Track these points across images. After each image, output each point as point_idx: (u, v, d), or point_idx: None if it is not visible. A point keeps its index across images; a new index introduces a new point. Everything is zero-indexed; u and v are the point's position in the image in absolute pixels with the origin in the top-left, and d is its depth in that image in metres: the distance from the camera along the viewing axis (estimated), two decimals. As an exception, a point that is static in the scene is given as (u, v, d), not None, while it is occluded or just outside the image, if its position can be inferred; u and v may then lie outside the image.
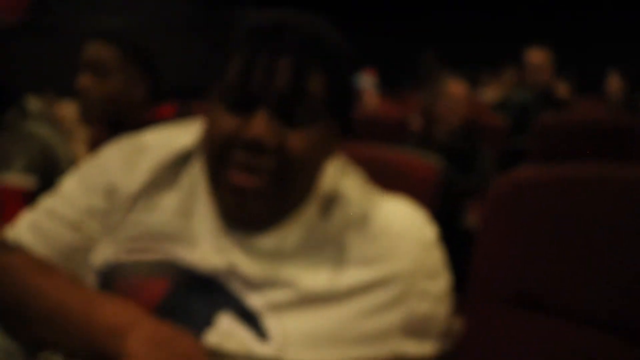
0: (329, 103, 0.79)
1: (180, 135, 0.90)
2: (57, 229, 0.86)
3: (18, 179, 1.59)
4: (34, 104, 1.97)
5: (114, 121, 1.60)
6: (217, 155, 0.78)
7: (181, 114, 1.67)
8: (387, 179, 1.01)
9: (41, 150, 1.75)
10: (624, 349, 0.85)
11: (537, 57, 3.68)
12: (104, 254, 0.84)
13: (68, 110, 2.52)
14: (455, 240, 1.06)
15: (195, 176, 0.87)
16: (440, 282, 0.88)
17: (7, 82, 1.89)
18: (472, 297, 0.97)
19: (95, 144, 2.17)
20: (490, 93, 4.17)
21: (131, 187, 0.85)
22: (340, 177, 0.88)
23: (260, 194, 0.77)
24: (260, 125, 0.75)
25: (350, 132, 0.87)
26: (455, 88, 2.59)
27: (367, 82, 4.72)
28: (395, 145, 2.78)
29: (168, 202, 0.85)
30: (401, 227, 0.86)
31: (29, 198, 1.56)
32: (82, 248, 0.86)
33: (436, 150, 2.56)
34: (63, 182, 0.91)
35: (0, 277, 0.81)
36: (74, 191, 0.88)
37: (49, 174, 1.75)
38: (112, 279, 0.82)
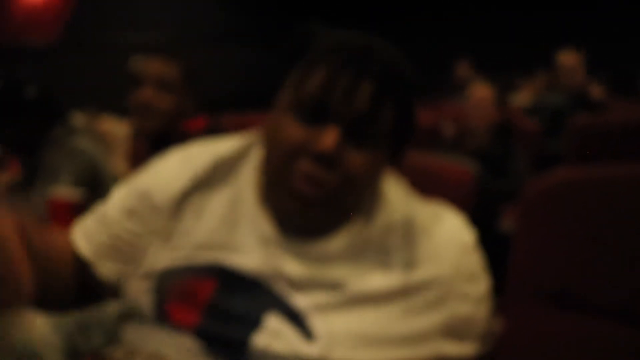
0: (394, 132, 0.83)
1: (223, 145, 0.94)
2: (96, 228, 0.92)
3: (65, 191, 1.66)
4: (79, 119, 2.05)
5: (165, 132, 1.66)
6: (282, 162, 0.81)
7: (211, 126, 1.72)
8: (423, 185, 1.03)
9: (87, 165, 1.83)
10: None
11: (569, 59, 3.65)
12: (158, 261, 0.87)
13: (109, 125, 2.60)
14: (491, 244, 1.08)
15: (240, 180, 0.90)
16: (479, 285, 0.90)
17: (54, 98, 1.98)
18: (511, 298, 0.99)
19: (136, 157, 2.25)
20: (523, 97, 4.13)
21: (166, 195, 0.88)
22: (383, 184, 0.91)
23: (318, 204, 0.81)
24: (332, 139, 0.78)
25: (404, 155, 0.91)
26: (480, 92, 2.60)
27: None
28: (427, 152, 2.79)
29: (213, 210, 0.88)
30: (441, 232, 0.89)
31: (77, 210, 1.63)
32: (120, 246, 0.90)
33: (469, 156, 2.57)
34: (114, 191, 0.97)
35: None
36: (119, 193, 0.95)
37: (94, 187, 1.83)
38: (166, 283, 0.86)
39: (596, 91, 3.74)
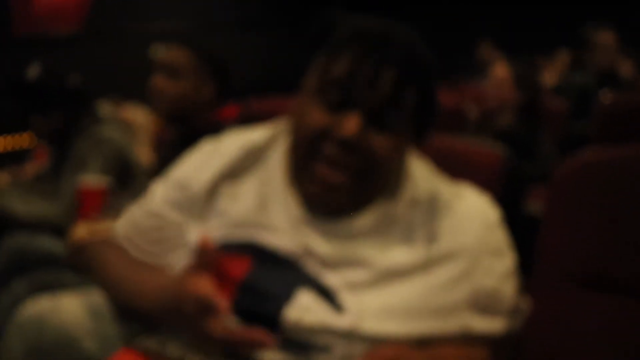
0: (416, 115, 0.86)
1: (252, 134, 0.98)
2: (143, 219, 0.97)
3: (94, 179, 1.69)
4: (105, 109, 2.08)
5: (183, 119, 1.68)
6: (306, 146, 0.84)
7: (244, 114, 1.73)
8: (453, 167, 1.03)
9: (115, 153, 1.86)
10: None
11: (606, 37, 3.56)
12: (193, 239, 0.90)
13: (133, 113, 2.63)
14: (519, 226, 1.07)
15: (270, 165, 0.93)
16: (505, 260, 0.90)
17: (81, 89, 2.01)
18: (539, 278, 0.98)
19: (161, 143, 2.27)
20: (547, 77, 4.06)
21: (201, 182, 0.92)
22: (408, 163, 0.93)
23: (342, 188, 0.84)
24: (355, 125, 0.80)
25: (427, 137, 0.93)
26: (500, 72, 2.57)
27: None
28: (452, 134, 2.77)
29: (246, 193, 0.92)
30: (466, 207, 0.91)
31: (104, 197, 1.65)
32: (165, 234, 0.95)
33: (494, 138, 2.53)
34: (156, 183, 1.01)
35: (102, 269, 0.97)
36: (159, 187, 0.99)
37: (121, 174, 1.85)
38: None
39: (626, 69, 3.66)
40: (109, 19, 5.96)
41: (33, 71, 1.95)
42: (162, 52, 1.68)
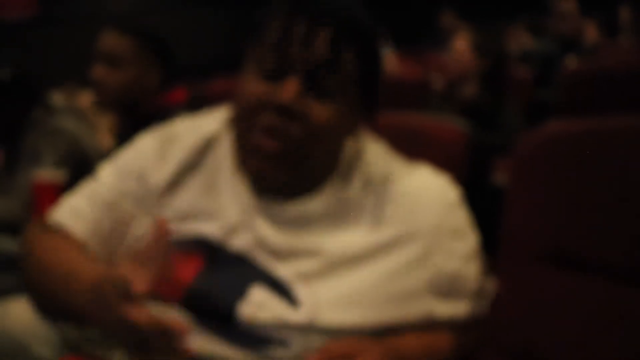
0: (357, 79, 0.81)
1: (207, 122, 0.94)
2: (94, 211, 0.90)
3: (49, 174, 1.62)
4: (57, 98, 1.99)
5: (128, 108, 1.63)
6: (246, 117, 0.81)
7: (193, 96, 1.68)
8: (414, 146, 1.01)
9: (69, 144, 1.79)
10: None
11: (568, 4, 3.56)
12: (146, 230, 0.87)
13: (89, 100, 2.55)
14: (485, 199, 1.05)
15: (220, 157, 0.90)
16: (466, 242, 0.88)
17: (29, 79, 1.92)
18: (504, 257, 0.96)
19: (115, 130, 2.20)
20: (511, 45, 4.05)
21: (161, 176, 0.89)
22: (361, 146, 0.90)
23: (282, 158, 0.79)
24: (290, 91, 0.77)
25: (375, 102, 0.88)
26: (459, 42, 2.56)
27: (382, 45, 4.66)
28: (419, 106, 2.74)
29: (194, 183, 0.89)
30: (422, 188, 0.88)
31: (60, 191, 1.59)
32: (118, 227, 0.90)
33: (460, 108, 2.52)
34: (100, 170, 0.95)
35: (45, 256, 0.88)
36: (110, 176, 0.93)
37: (78, 166, 1.79)
38: None
39: (590, 34, 3.66)
40: (62, 2, 5.78)
41: None
42: (100, 41, 1.61)
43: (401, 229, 0.84)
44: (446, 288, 0.85)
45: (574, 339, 0.89)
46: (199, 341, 0.79)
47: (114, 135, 2.03)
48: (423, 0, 6.18)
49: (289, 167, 0.81)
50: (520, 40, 4.03)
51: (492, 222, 0.99)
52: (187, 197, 0.88)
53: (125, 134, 1.67)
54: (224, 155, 0.90)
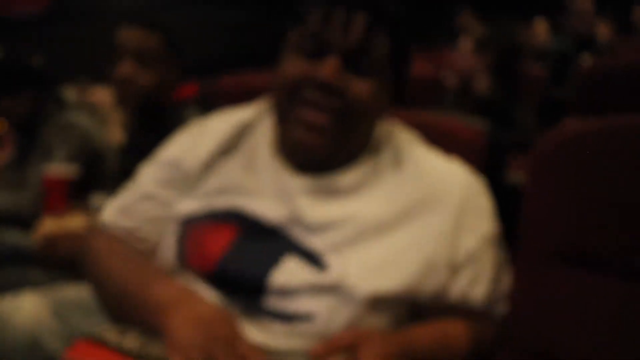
0: (390, 61, 0.89)
1: (242, 112, 1.00)
2: (136, 202, 0.97)
3: (60, 168, 1.62)
4: (70, 93, 2.00)
5: (149, 105, 1.58)
6: (289, 93, 0.87)
7: (204, 91, 1.66)
8: (434, 144, 1.01)
9: (81, 139, 1.79)
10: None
11: (582, 2, 3.53)
12: (181, 209, 0.94)
13: (102, 95, 2.55)
14: (502, 199, 1.03)
15: (258, 139, 0.96)
16: (488, 225, 0.91)
17: (43, 73, 1.92)
18: (521, 254, 0.95)
19: (127, 125, 2.19)
20: (526, 42, 4.02)
21: (195, 161, 0.95)
22: (393, 129, 0.97)
23: (325, 130, 0.86)
24: (333, 68, 0.84)
25: (407, 88, 0.96)
26: (463, 43, 2.55)
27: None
28: (432, 103, 2.73)
29: (232, 163, 0.95)
30: (450, 169, 0.93)
31: (71, 186, 1.59)
32: (161, 214, 0.96)
33: (474, 106, 2.50)
34: (142, 168, 1.02)
35: (90, 259, 0.96)
36: (148, 170, 1.00)
37: (90, 161, 1.79)
38: (188, 229, 0.91)
39: (603, 32, 3.63)
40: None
41: None
42: (127, 36, 1.54)
43: (427, 202, 0.88)
44: (464, 266, 0.88)
45: (591, 337, 0.88)
46: None
47: (126, 131, 2.03)
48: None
49: (332, 138, 0.87)
50: (539, 38, 3.99)
51: (508, 219, 0.98)
52: (224, 175, 0.93)
53: (138, 129, 1.67)
54: (262, 137, 0.96)
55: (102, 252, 0.94)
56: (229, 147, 0.96)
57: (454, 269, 0.87)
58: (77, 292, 1.18)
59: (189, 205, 0.93)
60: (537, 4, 4.51)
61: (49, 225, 1.44)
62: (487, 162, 1.08)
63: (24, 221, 1.64)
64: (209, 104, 1.54)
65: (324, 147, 0.87)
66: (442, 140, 1.01)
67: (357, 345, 0.77)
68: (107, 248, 0.95)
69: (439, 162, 0.94)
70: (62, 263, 1.41)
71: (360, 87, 0.86)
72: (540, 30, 4.05)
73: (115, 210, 0.99)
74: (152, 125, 1.57)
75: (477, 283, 0.89)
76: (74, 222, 1.45)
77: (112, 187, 1.62)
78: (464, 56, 2.55)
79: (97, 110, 2.16)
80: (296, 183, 0.90)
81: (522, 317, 0.93)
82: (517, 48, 2.73)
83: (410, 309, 0.88)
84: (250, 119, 0.98)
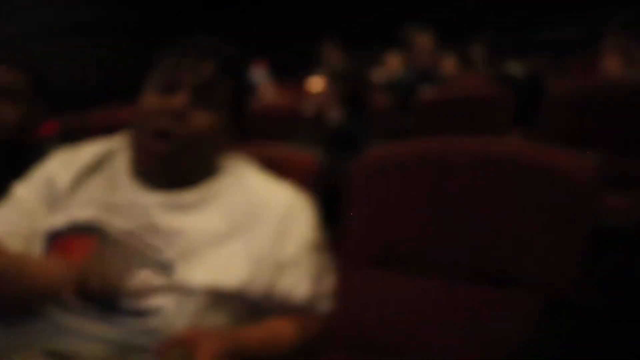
0: (229, 97, 1.07)
1: (104, 143, 1.14)
2: (15, 218, 1.06)
3: None
4: None
5: (7, 140, 1.58)
6: (143, 123, 1.02)
7: (63, 131, 1.69)
8: (272, 171, 1.15)
9: None
10: (470, 291, 1.02)
11: (423, 40, 3.88)
12: (46, 224, 1.03)
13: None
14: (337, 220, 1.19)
15: (117, 164, 1.10)
16: (308, 232, 1.07)
17: None
18: (343, 259, 1.12)
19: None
20: (378, 74, 4.34)
21: (65, 178, 1.07)
22: (234, 159, 1.12)
23: (170, 157, 1.01)
24: (182, 99, 1.01)
25: (246, 124, 1.14)
26: (315, 78, 2.75)
27: (260, 75, 4.78)
28: (291, 132, 2.89)
29: (95, 184, 1.07)
30: (276, 189, 1.09)
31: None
32: (34, 227, 1.04)
33: (328, 133, 2.68)
34: (16, 189, 1.10)
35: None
36: (24, 190, 1.09)
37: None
38: (52, 241, 1.01)
39: (447, 66, 4.01)
40: None
41: None
42: None
43: (256, 214, 1.04)
44: (287, 266, 1.03)
45: (405, 329, 1.06)
46: (85, 324, 0.93)
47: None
48: (307, 31, 6.39)
49: (174, 163, 1.02)
50: (391, 70, 4.30)
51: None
52: (87, 193, 1.06)
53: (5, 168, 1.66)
54: (121, 162, 1.09)
55: None
56: (93, 169, 1.09)
57: (279, 269, 1.02)
58: None
59: (55, 220, 1.03)
60: (393, 38, 4.87)
61: None
62: (320, 183, 1.24)
63: None
64: (70, 140, 1.58)
65: (169, 170, 1.03)
66: (279, 168, 1.17)
67: (195, 342, 0.89)
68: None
69: (268, 183, 1.10)
70: None
71: (204, 119, 1.03)
72: (393, 63, 4.37)
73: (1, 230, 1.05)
74: (12, 161, 1.58)
75: (300, 282, 1.04)
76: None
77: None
78: (317, 88, 2.74)
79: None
80: (150, 198, 1.03)
81: (345, 314, 1.09)
82: (365, 79, 2.98)
83: (247, 309, 1.01)
84: (112, 148, 1.12)
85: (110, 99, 3.22)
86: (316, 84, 2.71)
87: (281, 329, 1.02)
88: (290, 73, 6.03)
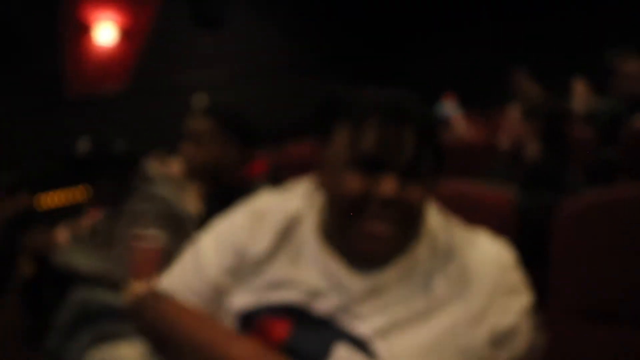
0: (431, 166, 0.98)
1: (291, 200, 1.09)
2: (198, 285, 1.06)
3: (149, 236, 1.78)
4: (152, 166, 2.24)
5: (212, 179, 1.82)
6: (350, 209, 0.95)
7: (272, 168, 1.85)
8: (464, 213, 1.13)
9: (166, 209, 1.99)
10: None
11: (632, 67, 3.58)
12: (239, 302, 1.02)
13: (178, 168, 2.77)
14: (542, 263, 1.14)
15: (305, 232, 1.04)
16: (520, 298, 0.98)
17: (127, 152, 2.18)
18: (552, 313, 1.07)
19: (203, 197, 2.40)
20: (575, 104, 4.06)
21: (258, 250, 1.03)
22: (426, 212, 1.03)
23: (391, 239, 0.95)
24: (393, 185, 0.93)
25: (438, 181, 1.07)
26: (511, 113, 2.64)
27: (450, 108, 4.74)
28: (486, 167, 2.83)
29: (283, 258, 1.03)
30: (481, 252, 1.00)
31: (159, 253, 1.74)
32: (218, 298, 1.05)
33: (525, 169, 2.58)
34: (201, 242, 1.11)
35: (159, 320, 1.05)
36: (211, 251, 1.08)
37: (173, 228, 1.97)
38: (248, 322, 1.00)
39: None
40: (153, 73, 6.25)
41: (83, 145, 2.12)
42: (188, 121, 1.83)
43: (461, 286, 0.96)
44: (503, 341, 0.95)
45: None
46: None
47: (203, 202, 2.24)
48: (497, 61, 6.26)
49: (395, 244, 0.96)
50: (579, 98, 4.02)
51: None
52: (275, 269, 1.01)
53: (211, 203, 1.87)
54: (309, 230, 1.04)
55: (175, 314, 1.03)
56: (282, 239, 1.03)
57: (496, 346, 0.94)
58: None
59: (245, 298, 1.01)
60: (579, 65, 4.55)
61: (140, 287, 1.60)
62: (520, 226, 1.18)
63: (113, 281, 1.84)
64: (278, 178, 1.73)
65: (388, 252, 0.97)
66: (471, 209, 1.12)
67: None
68: (176, 309, 1.03)
69: (471, 245, 1.01)
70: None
71: (416, 195, 0.95)
72: (580, 90, 4.08)
73: (176, 281, 1.08)
74: (223, 202, 1.78)
75: (516, 351, 0.96)
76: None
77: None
78: (512, 123, 2.66)
79: (177, 182, 2.38)
80: (353, 281, 0.97)
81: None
82: (566, 112, 2.82)
83: None
84: (298, 211, 1.06)
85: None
86: (513, 117, 2.62)
87: None
88: (480, 105, 5.92)
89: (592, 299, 1.01)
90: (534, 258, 1.10)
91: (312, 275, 0.99)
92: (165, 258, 1.75)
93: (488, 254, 0.99)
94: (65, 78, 5.68)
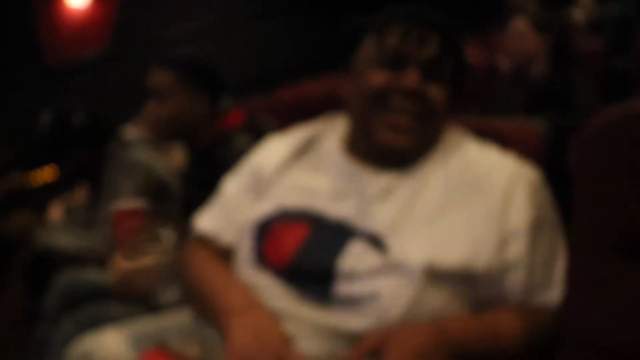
0: (453, 69, 1.04)
1: (309, 128, 1.15)
2: (229, 215, 1.12)
3: (128, 203, 1.68)
4: (129, 131, 2.09)
5: (183, 137, 1.69)
6: (374, 101, 1.00)
7: (250, 118, 1.71)
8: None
9: (146, 176, 1.87)
10: None
11: None
12: (256, 212, 1.05)
13: (179, 156, 2.62)
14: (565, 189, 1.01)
15: (325, 147, 1.10)
16: (536, 209, 0.95)
17: (102, 119, 2.03)
18: (574, 249, 0.93)
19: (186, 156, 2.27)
20: (578, 13, 3.80)
21: (271, 165, 1.09)
22: (447, 128, 1.07)
23: (411, 130, 1.00)
24: (415, 77, 0.99)
25: (462, 95, 1.09)
26: (518, 25, 2.45)
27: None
28: (487, 90, 2.66)
29: (303, 168, 1.08)
30: (499, 158, 1.02)
31: (140, 218, 1.64)
32: (242, 219, 1.08)
33: (530, 90, 2.42)
34: (225, 184, 1.17)
35: (187, 265, 1.14)
36: (232, 184, 1.15)
37: (155, 193, 1.86)
38: (263, 230, 1.02)
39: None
40: (133, 30, 6.02)
41: (44, 119, 1.97)
42: (149, 77, 1.66)
43: (477, 184, 0.96)
44: (511, 240, 0.92)
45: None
46: (298, 309, 0.91)
47: (186, 161, 2.11)
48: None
49: (415, 138, 1.00)
50: (584, 3, 3.75)
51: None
52: (295, 178, 1.06)
53: (193, 161, 1.73)
54: (331, 144, 1.10)
55: (196, 261, 1.11)
56: (299, 153, 1.10)
57: (503, 244, 0.92)
58: (155, 325, 1.23)
59: (264, 207, 1.05)
60: None
61: (124, 263, 1.50)
62: (546, 161, 1.10)
63: (99, 259, 1.72)
64: (257, 130, 1.60)
65: (409, 146, 1.00)
66: (500, 144, 1.06)
67: (385, 344, 0.81)
68: (199, 257, 1.11)
69: (490, 152, 1.03)
70: (138, 297, 1.48)
71: (436, 92, 1.00)
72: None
73: (212, 226, 1.13)
74: (203, 156, 1.64)
75: (526, 261, 0.92)
76: (147, 258, 1.51)
77: (178, 217, 1.69)
78: (522, 38, 2.45)
79: (157, 145, 2.24)
80: (370, 184, 1.00)
81: (579, 308, 0.90)
82: (572, 25, 2.62)
83: (467, 293, 0.91)
84: (318, 131, 1.13)
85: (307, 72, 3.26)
86: (519, 32, 2.42)
87: (503, 321, 0.88)
88: (476, 28, 5.66)
89: (619, 235, 0.86)
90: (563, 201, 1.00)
91: (332, 180, 1.03)
92: (149, 221, 1.65)
93: (505, 162, 1.01)
94: (43, 46, 5.49)
